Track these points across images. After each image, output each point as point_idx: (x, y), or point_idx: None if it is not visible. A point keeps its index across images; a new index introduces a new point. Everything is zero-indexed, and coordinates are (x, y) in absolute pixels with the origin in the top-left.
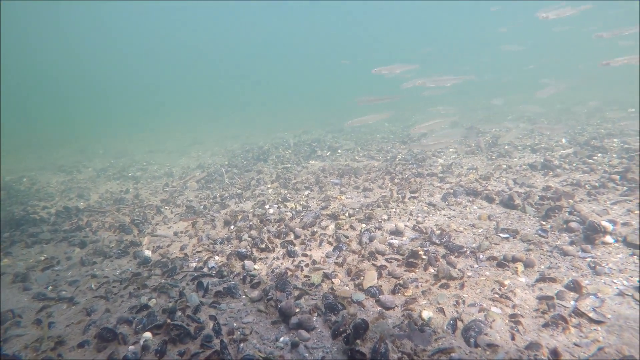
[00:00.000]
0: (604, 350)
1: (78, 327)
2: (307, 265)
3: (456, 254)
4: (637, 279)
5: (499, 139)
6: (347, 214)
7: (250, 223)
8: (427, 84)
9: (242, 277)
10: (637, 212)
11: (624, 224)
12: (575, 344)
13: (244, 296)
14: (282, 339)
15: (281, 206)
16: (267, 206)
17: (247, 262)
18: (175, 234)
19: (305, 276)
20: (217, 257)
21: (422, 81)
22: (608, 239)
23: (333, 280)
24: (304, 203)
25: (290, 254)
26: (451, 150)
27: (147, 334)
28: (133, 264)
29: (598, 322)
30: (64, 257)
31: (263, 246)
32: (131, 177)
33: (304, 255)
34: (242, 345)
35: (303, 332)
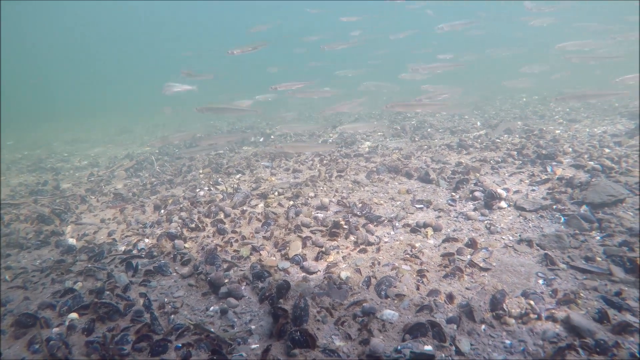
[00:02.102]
0: (484, 288)
1: None
2: (236, 240)
3: (375, 223)
4: (519, 234)
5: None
6: (276, 193)
7: (181, 206)
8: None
9: (172, 256)
10: (527, 181)
11: (516, 192)
12: (467, 288)
13: (174, 273)
14: (212, 308)
15: (212, 189)
16: (198, 189)
17: (178, 242)
18: (103, 221)
19: (235, 251)
20: (147, 240)
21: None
22: (503, 204)
23: (261, 252)
24: (236, 186)
25: (221, 232)
26: (379, 133)
27: (73, 315)
28: (55, 253)
29: (486, 270)
30: None
31: (193, 226)
32: (50, 168)
33: (234, 232)
34: (173, 317)
35: (232, 300)
